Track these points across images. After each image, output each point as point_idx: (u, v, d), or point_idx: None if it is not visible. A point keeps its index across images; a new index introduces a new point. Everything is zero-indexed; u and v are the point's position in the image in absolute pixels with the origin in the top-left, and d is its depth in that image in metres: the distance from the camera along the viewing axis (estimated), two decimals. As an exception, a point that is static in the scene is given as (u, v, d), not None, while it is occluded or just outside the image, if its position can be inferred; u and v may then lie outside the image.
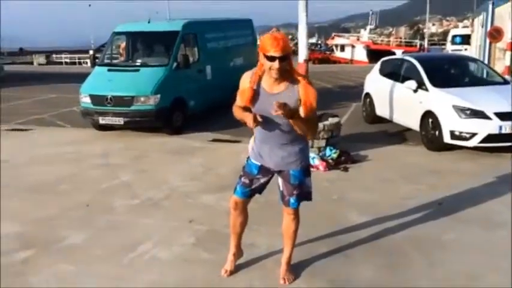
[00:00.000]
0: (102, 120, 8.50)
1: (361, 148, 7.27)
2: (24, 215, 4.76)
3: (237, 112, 3.13)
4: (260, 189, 3.34)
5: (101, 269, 3.60)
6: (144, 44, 9.90)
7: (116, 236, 4.21)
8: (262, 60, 2.92)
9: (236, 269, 3.51)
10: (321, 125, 6.75)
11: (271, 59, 2.84)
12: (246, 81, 3.09)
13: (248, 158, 3.34)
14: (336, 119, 7.09)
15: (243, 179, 3.30)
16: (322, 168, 6.20)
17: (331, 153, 6.52)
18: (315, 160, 6.34)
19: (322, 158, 6.42)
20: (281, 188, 3.29)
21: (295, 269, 3.50)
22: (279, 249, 3.61)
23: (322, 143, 6.70)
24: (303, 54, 6.95)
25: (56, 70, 30.76)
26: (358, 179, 5.86)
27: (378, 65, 9.72)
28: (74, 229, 4.36)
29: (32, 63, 48.04)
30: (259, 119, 2.96)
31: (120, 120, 8.36)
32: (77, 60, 42.38)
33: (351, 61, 44.96)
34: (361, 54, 46.09)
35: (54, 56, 51.77)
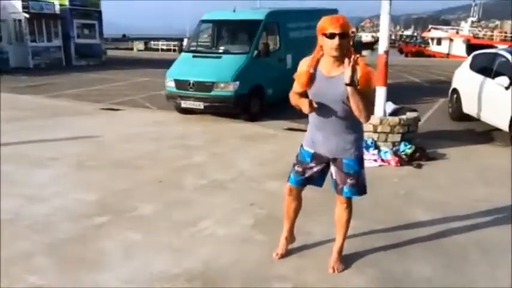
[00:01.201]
0: (184, 104, 8.95)
1: (440, 146, 6.93)
2: (104, 185, 5.20)
3: (293, 98, 3.16)
4: (315, 179, 3.33)
5: (164, 240, 3.85)
6: (228, 32, 10.21)
7: (181, 211, 4.46)
8: (321, 41, 2.95)
9: (288, 253, 3.58)
10: (396, 119, 6.56)
11: (331, 36, 2.86)
12: (303, 65, 3.11)
13: (301, 146, 3.35)
14: (414, 114, 6.81)
15: (296, 167, 3.33)
16: (393, 163, 6.02)
17: (406, 149, 6.30)
18: (387, 154, 6.19)
19: (396, 153, 6.23)
20: (334, 177, 3.27)
21: (347, 260, 3.49)
22: (334, 238, 3.61)
23: (397, 137, 6.49)
24: (383, 45, 6.73)
25: (152, 56, 32.66)
26: (431, 177, 5.62)
27: (468, 59, 9.14)
28: (146, 201, 4.69)
29: (132, 49, 51.29)
30: (315, 105, 2.98)
31: (200, 105, 8.73)
32: (172, 48, 44.46)
33: (447, 55, 42.33)
34: (459, 49, 43.15)
35: (152, 42, 54.78)
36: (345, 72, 2.83)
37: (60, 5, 22.41)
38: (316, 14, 12.05)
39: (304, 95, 3.12)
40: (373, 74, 2.94)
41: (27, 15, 20.65)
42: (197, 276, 3.30)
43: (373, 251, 3.67)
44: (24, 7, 20.73)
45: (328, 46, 2.90)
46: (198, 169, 5.85)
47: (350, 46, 3.00)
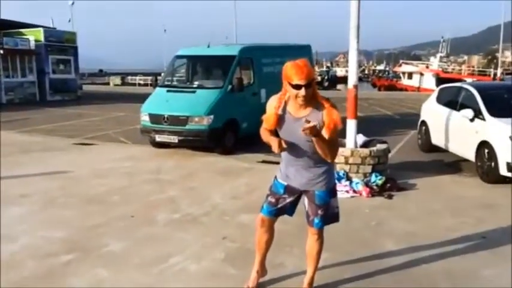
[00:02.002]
0: (158, 138, 8.95)
1: (411, 176, 7.09)
2: (74, 222, 5.10)
3: (264, 135, 3.22)
4: (287, 209, 3.38)
5: (132, 276, 3.79)
6: (203, 67, 10.37)
7: (152, 247, 4.41)
8: (287, 88, 2.99)
9: (259, 286, 3.56)
10: (367, 150, 6.70)
11: (296, 87, 2.91)
12: (271, 106, 3.16)
13: (275, 177, 3.41)
14: (383, 146, 6.98)
15: (269, 198, 3.38)
16: (365, 194, 6.11)
17: (376, 180, 6.41)
18: (358, 186, 6.28)
19: (367, 184, 6.33)
20: (306, 208, 3.33)
21: (318, 292, 3.49)
22: (306, 271, 3.61)
23: (368, 168, 6.61)
24: (352, 80, 6.95)
25: (128, 91, 32.70)
26: (401, 208, 5.71)
27: (435, 93, 9.46)
28: (116, 238, 4.62)
29: (109, 83, 51.30)
30: (284, 146, 3.04)
31: (175, 139, 8.76)
32: (149, 82, 44.65)
33: (418, 89, 43.69)
34: (429, 82, 44.66)
35: (129, 77, 54.99)
36: (306, 131, 2.82)
37: (36, 40, 22.41)
38: (289, 50, 12.51)
39: (274, 132, 3.19)
40: (338, 118, 2.99)
41: (1, 51, 20.55)
42: (166, 313, 3.24)
43: (343, 282, 3.68)
44: (-2, 43, 20.68)
45: (294, 94, 2.96)
46: (171, 204, 5.81)
47: (315, 90, 3.03)
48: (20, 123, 14.12)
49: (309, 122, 2.82)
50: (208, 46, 10.24)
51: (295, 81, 2.90)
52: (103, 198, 6.07)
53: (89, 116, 16.02)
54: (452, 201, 5.99)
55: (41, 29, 23.48)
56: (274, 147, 3.04)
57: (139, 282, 3.69)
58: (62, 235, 4.69)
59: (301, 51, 12.13)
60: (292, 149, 3.13)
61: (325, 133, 2.96)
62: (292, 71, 2.91)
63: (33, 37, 22.44)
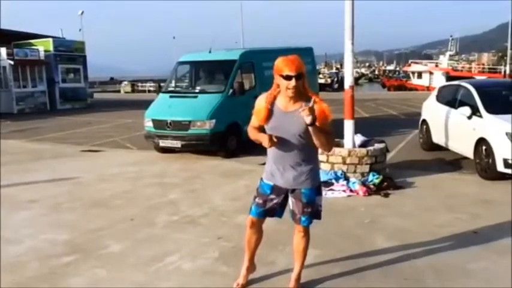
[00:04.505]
0: (162, 143, 9.13)
1: (410, 175, 7.16)
2: (77, 225, 5.29)
3: (252, 133, 3.35)
4: (276, 211, 3.47)
5: (129, 275, 3.94)
6: (205, 72, 10.54)
7: (150, 247, 4.56)
8: (278, 81, 3.15)
9: (249, 283, 3.69)
10: (364, 150, 6.79)
11: (287, 78, 3.06)
12: (261, 101, 3.30)
13: (261, 178, 3.51)
14: (381, 145, 7.06)
15: (257, 199, 3.47)
16: (361, 193, 6.20)
17: (374, 179, 6.50)
18: (355, 185, 6.37)
19: (364, 183, 6.42)
20: (291, 207, 3.43)
21: (306, 287, 3.60)
22: (296, 268, 3.73)
23: (366, 168, 6.70)
24: (348, 81, 7.06)
25: (138, 98, 33.03)
26: (397, 205, 5.80)
27: (435, 91, 9.51)
28: (116, 239, 4.78)
29: (119, 91, 51.84)
30: (275, 140, 3.16)
31: (178, 143, 8.93)
32: (158, 89, 44.90)
33: (428, 88, 43.44)
34: (439, 81, 44.33)
35: (139, 84, 55.49)
36: (304, 115, 2.97)
37: (45, 50, 22.83)
38: (290, 52, 12.59)
39: (261, 129, 3.31)
40: (327, 109, 3.15)
41: (11, 62, 20.99)
42: (159, 308, 3.38)
43: (331, 277, 3.79)
44: (8, 54, 21.11)
45: (285, 86, 3.11)
46: (172, 206, 5.97)
47: (305, 85, 3.19)
48: (31, 132, 14.44)
49: (307, 107, 2.95)
50: (210, 51, 10.40)
51: (286, 72, 3.05)
52: (107, 202, 6.24)
53: (97, 124, 16.31)
54: (449, 198, 6.05)
55: (50, 39, 23.91)
56: (265, 142, 3.15)
57: (135, 281, 3.84)
58: (65, 238, 4.87)
59: (303, 53, 12.27)
60: (281, 144, 3.22)
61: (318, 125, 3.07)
62: (283, 64, 3.08)
63: (42, 47, 22.87)
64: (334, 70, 73.94)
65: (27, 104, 21.84)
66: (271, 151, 3.36)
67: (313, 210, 3.39)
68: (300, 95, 3.17)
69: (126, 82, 57.66)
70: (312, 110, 2.96)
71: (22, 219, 5.56)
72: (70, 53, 24.06)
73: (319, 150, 3.44)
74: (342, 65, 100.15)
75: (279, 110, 3.23)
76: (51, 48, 23.12)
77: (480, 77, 36.54)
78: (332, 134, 3.25)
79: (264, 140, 3.17)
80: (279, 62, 3.11)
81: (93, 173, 8.09)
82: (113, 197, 6.46)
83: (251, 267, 3.72)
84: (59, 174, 7.97)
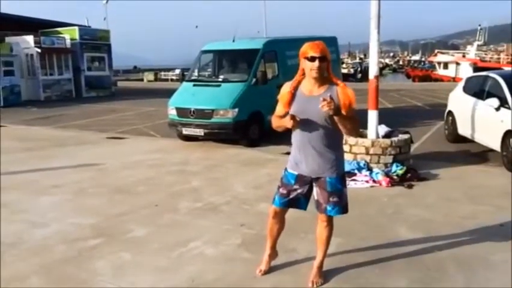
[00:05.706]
0: (185, 131, 9.22)
1: (434, 166, 7.06)
2: (102, 210, 5.40)
3: (275, 121, 3.38)
4: (300, 202, 3.46)
5: (152, 260, 4.02)
6: (228, 61, 10.56)
7: (173, 233, 4.63)
8: (303, 64, 3.21)
9: (271, 269, 3.72)
10: (388, 141, 6.72)
11: (311, 59, 3.12)
12: (286, 87, 3.35)
13: (286, 168, 3.51)
14: (405, 136, 6.97)
15: (281, 189, 3.48)
16: (384, 183, 6.15)
17: (397, 170, 6.43)
18: (378, 175, 6.32)
19: (387, 174, 6.37)
20: (316, 197, 3.42)
21: (327, 275, 3.61)
22: (317, 256, 3.73)
23: (389, 159, 6.64)
24: (373, 71, 6.97)
25: (161, 86, 33.31)
26: (420, 196, 5.73)
27: (462, 82, 9.32)
28: (140, 224, 4.87)
29: (142, 79, 52.32)
30: (298, 119, 3.17)
31: (200, 132, 9.00)
32: (181, 77, 45.10)
33: (454, 79, 42.49)
34: (466, 72, 43.31)
35: (162, 73, 55.90)
36: (325, 110, 2.99)
37: (71, 39, 23.17)
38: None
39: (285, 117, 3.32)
40: (352, 94, 3.19)
41: (38, 50, 21.38)
42: (182, 292, 3.45)
43: (354, 266, 3.79)
44: (36, 42, 21.49)
45: (309, 68, 3.16)
46: (194, 193, 6.04)
47: (329, 71, 3.23)
48: (56, 119, 14.75)
49: (326, 99, 2.99)
50: (234, 40, 10.40)
51: (310, 54, 3.12)
52: (130, 188, 6.35)
53: (121, 111, 16.53)
54: (473, 190, 5.95)
55: (76, 28, 24.26)
56: (288, 123, 3.17)
57: (159, 265, 3.91)
58: (90, 222, 4.99)
59: (327, 42, 12.14)
60: (304, 129, 3.25)
61: (342, 111, 3.11)
62: (308, 47, 3.17)
63: (68, 36, 23.20)
64: (357, 60, 73.02)
65: (54, 91, 22.25)
66: (296, 139, 3.37)
67: (340, 201, 3.37)
68: (324, 80, 3.21)
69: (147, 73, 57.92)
70: (331, 103, 2.98)
71: (47, 204, 5.70)
72: (95, 42, 24.36)
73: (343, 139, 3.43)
74: (365, 55, 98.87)
75: (302, 94, 3.27)
76: (77, 36, 23.45)
77: (509, 68, 35.52)
78: (357, 119, 3.25)
79: (286, 121, 3.19)
80: (305, 46, 3.19)
81: (117, 159, 8.23)
82: (136, 184, 6.56)
83: (273, 254, 3.75)
84: (83, 160, 8.13)
